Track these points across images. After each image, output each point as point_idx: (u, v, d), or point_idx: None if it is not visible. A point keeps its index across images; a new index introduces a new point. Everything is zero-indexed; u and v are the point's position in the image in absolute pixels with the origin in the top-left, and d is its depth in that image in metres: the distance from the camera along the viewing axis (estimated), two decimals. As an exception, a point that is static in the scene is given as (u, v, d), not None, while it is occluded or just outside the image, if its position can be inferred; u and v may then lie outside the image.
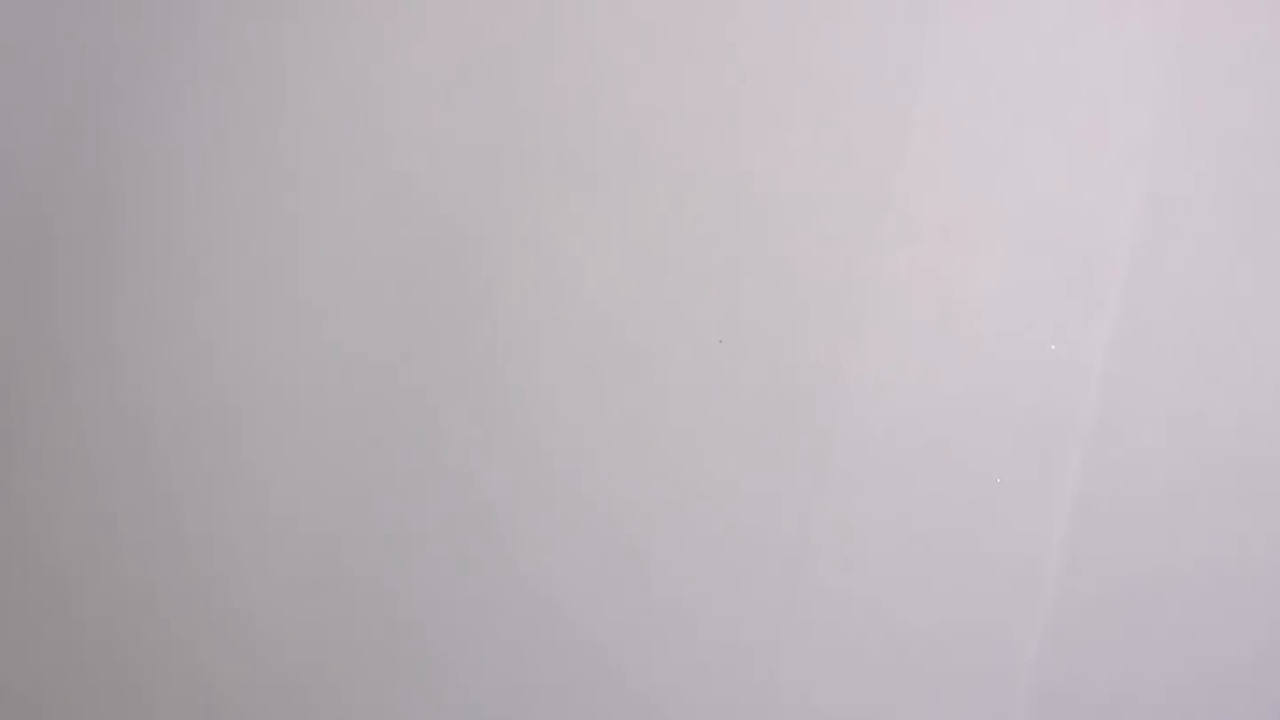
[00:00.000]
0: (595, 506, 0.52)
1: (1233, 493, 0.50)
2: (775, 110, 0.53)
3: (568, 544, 0.52)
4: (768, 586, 0.51)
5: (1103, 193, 0.52)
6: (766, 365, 0.52)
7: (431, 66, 0.54)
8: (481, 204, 0.53)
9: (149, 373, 0.53)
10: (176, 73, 0.55)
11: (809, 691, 0.51)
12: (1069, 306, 0.52)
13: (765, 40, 0.53)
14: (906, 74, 0.53)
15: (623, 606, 0.51)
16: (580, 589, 0.52)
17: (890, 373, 0.51)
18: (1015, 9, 0.53)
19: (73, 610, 0.53)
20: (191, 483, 0.53)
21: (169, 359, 0.53)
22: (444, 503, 0.52)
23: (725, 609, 0.51)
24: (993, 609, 0.51)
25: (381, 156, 0.54)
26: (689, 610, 0.51)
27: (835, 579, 0.51)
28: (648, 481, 0.52)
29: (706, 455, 0.52)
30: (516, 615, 0.51)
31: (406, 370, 0.53)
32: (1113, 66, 0.53)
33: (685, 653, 0.51)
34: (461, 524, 0.52)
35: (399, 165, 0.54)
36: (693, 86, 0.53)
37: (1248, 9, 0.53)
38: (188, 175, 0.54)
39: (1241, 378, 0.51)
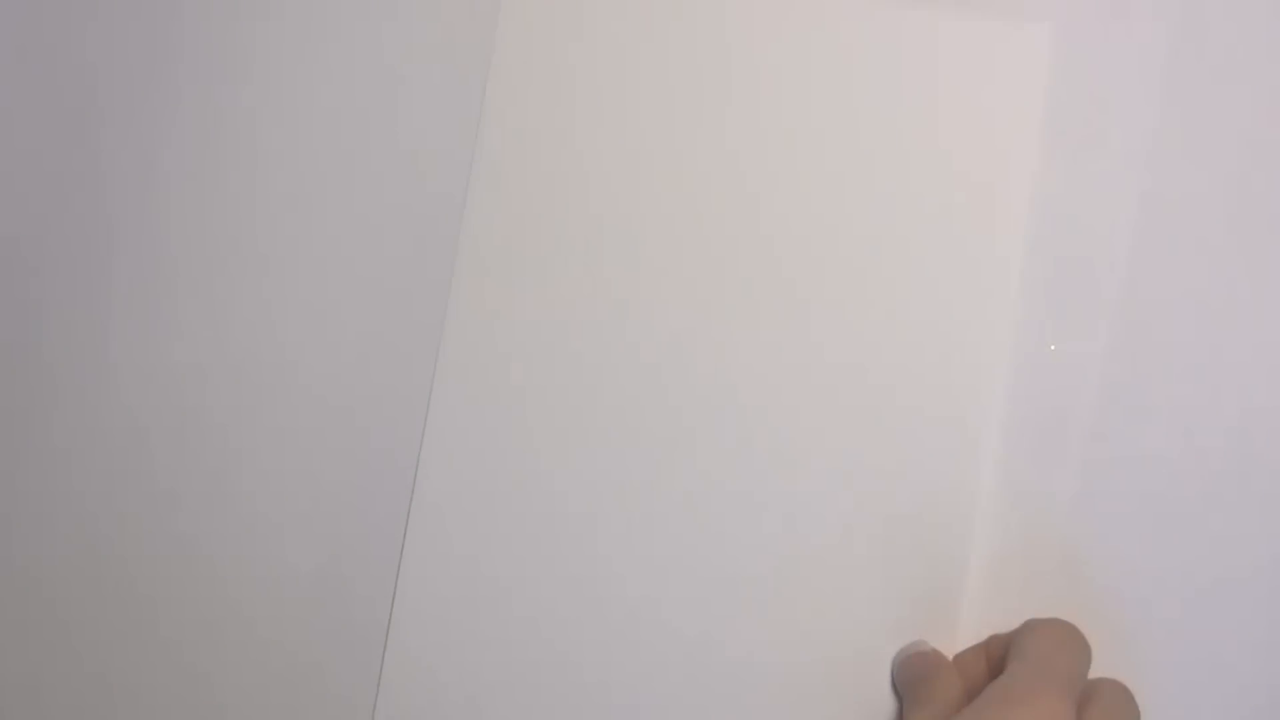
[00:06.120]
0: (598, 501, 0.52)
1: (1233, 493, 0.50)
2: (776, 108, 0.53)
3: (568, 543, 0.52)
4: (750, 583, 0.51)
5: (1103, 193, 0.52)
6: (765, 364, 0.52)
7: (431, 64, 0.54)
8: (482, 205, 0.53)
9: (145, 373, 0.53)
10: (171, 72, 0.54)
11: (809, 687, 0.51)
12: (1069, 306, 0.52)
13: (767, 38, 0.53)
14: (905, 71, 0.53)
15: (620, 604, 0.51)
16: (580, 585, 0.52)
17: (889, 371, 0.51)
18: (1015, 8, 0.53)
19: (70, 615, 0.53)
20: (188, 487, 0.53)
21: (166, 359, 0.53)
22: (445, 501, 0.52)
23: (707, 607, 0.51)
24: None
25: (382, 160, 0.54)
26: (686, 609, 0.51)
27: (833, 578, 0.51)
28: (647, 479, 0.52)
29: (702, 454, 0.52)
30: (516, 613, 0.51)
31: (406, 372, 0.53)
32: (1112, 66, 0.53)
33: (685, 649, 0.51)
34: (463, 522, 0.52)
35: (400, 168, 0.54)
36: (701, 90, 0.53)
37: (1247, 9, 0.53)
38: (182, 175, 0.54)
39: (1241, 378, 0.51)
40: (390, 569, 0.52)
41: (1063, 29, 0.53)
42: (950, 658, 0.49)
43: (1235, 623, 0.50)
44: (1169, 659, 0.49)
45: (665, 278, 0.52)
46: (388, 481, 0.52)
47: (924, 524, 0.51)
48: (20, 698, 0.52)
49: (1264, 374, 0.51)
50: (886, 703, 0.50)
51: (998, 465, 0.51)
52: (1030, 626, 0.47)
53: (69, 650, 0.52)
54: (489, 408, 0.52)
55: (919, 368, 0.51)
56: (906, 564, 0.51)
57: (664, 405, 0.52)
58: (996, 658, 0.48)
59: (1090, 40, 0.53)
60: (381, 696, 0.51)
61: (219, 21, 0.54)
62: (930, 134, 0.52)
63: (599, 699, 0.51)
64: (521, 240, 0.53)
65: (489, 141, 0.53)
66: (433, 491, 0.52)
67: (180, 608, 0.52)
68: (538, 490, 0.52)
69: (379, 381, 0.52)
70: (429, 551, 0.52)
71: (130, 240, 0.54)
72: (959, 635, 0.50)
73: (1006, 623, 0.49)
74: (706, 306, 0.52)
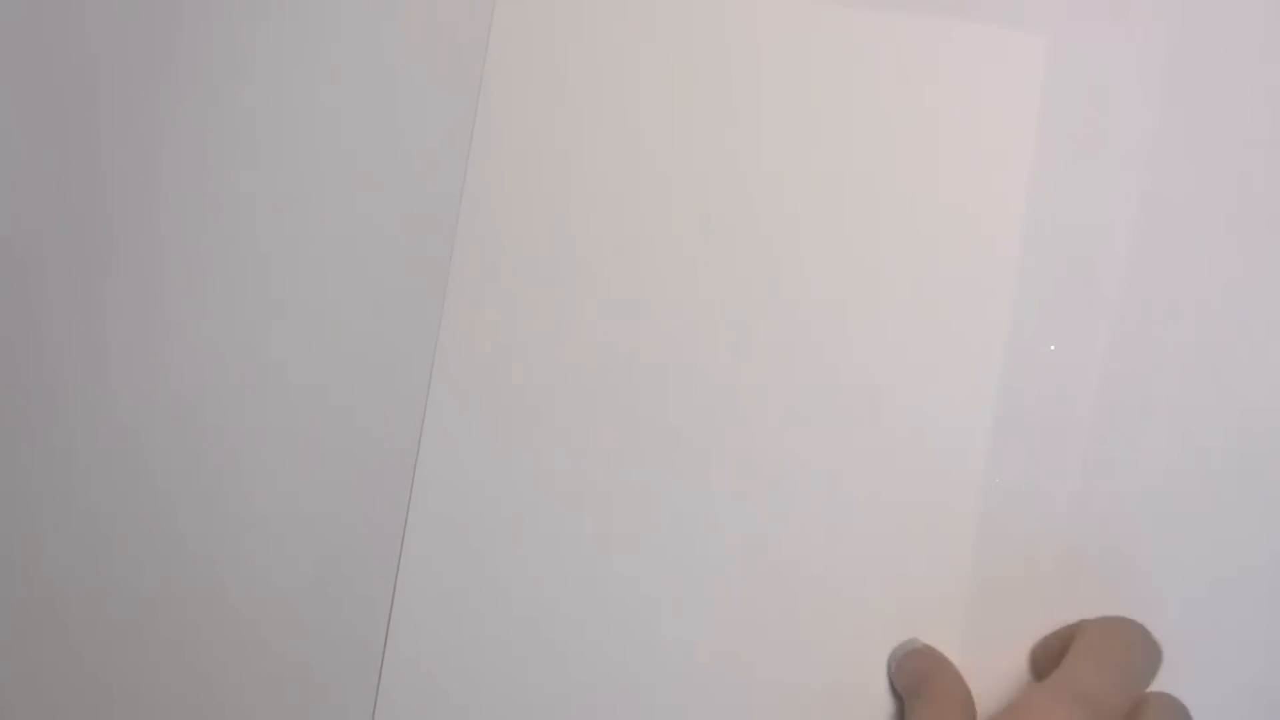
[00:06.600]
0: (594, 500, 0.52)
1: (1233, 493, 0.50)
2: (774, 112, 0.53)
3: (567, 544, 0.52)
4: (749, 583, 0.51)
5: (1103, 193, 0.52)
6: (763, 364, 0.52)
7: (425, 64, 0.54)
8: (478, 205, 0.53)
9: (144, 374, 0.53)
10: (171, 72, 0.55)
11: (809, 688, 0.51)
12: (1069, 306, 0.52)
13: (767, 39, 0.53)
14: (905, 71, 0.53)
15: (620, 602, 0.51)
16: (580, 584, 0.52)
17: (887, 371, 0.51)
18: (1015, 9, 0.53)
19: (70, 615, 0.53)
20: (188, 487, 0.53)
21: (166, 360, 0.53)
22: (444, 501, 0.52)
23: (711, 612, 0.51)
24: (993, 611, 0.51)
25: (381, 160, 0.54)
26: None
27: (832, 579, 0.51)
28: (645, 479, 0.52)
29: (699, 454, 0.52)
30: (515, 614, 0.51)
31: (405, 373, 0.53)
32: (1112, 67, 0.53)
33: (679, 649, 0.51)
34: (461, 523, 0.52)
35: (398, 168, 0.54)
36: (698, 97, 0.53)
37: (1247, 9, 0.53)
38: (181, 175, 0.54)
39: (1241, 378, 0.51)
40: (389, 569, 0.52)
41: (1063, 30, 0.53)
42: (950, 656, 0.49)
43: (1235, 623, 0.50)
44: (1169, 659, 0.49)
45: (662, 277, 0.52)
46: (386, 482, 0.52)
47: (924, 524, 0.51)
48: (20, 698, 0.52)
49: (1264, 374, 0.51)
50: (887, 704, 0.50)
51: (998, 465, 0.51)
52: (1091, 630, 0.45)
53: (69, 650, 0.52)
54: (486, 408, 0.52)
55: (918, 368, 0.51)
56: (906, 564, 0.51)
57: (661, 405, 0.52)
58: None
59: (1090, 40, 0.53)
60: (381, 697, 0.51)
61: (219, 21, 0.54)
62: (930, 134, 0.52)
63: (598, 701, 0.51)
64: (517, 240, 0.53)
65: (484, 141, 0.53)
66: (431, 492, 0.52)
67: (180, 608, 0.52)
68: (536, 491, 0.52)
69: (377, 382, 0.52)
70: (428, 552, 0.52)
71: (130, 240, 0.54)
72: (959, 635, 0.50)
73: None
74: (704, 307, 0.52)
